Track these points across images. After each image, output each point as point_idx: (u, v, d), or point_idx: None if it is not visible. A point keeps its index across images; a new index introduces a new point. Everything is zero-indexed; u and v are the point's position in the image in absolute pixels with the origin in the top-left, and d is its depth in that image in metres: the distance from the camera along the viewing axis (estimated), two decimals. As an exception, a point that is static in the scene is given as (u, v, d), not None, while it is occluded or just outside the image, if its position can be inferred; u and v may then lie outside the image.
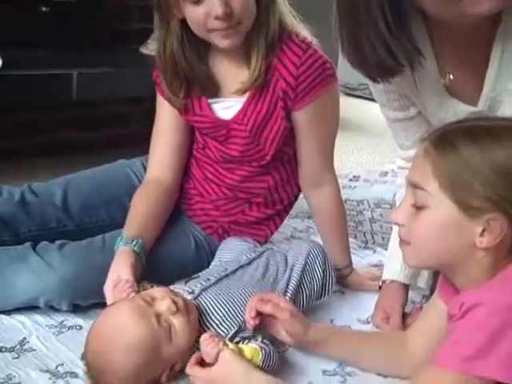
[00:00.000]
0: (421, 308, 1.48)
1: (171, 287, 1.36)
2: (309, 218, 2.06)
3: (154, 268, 1.48)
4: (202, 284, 1.38)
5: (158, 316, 1.24)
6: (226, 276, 1.42)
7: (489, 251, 1.04)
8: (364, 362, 1.33)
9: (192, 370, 1.22)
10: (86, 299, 1.48)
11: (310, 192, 1.67)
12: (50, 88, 2.34)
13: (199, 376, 1.21)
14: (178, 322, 1.24)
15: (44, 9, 2.69)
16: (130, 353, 1.20)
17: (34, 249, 1.50)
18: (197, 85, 1.57)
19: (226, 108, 1.59)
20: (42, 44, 2.51)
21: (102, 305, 1.44)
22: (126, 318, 1.23)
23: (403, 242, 1.12)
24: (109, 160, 1.84)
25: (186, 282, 1.41)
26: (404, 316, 1.49)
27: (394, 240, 1.51)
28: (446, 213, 1.05)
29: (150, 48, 2.95)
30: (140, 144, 1.79)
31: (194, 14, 1.44)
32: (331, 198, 1.66)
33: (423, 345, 1.23)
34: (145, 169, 1.75)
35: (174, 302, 1.25)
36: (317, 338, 1.33)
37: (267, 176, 1.64)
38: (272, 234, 1.72)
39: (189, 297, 1.33)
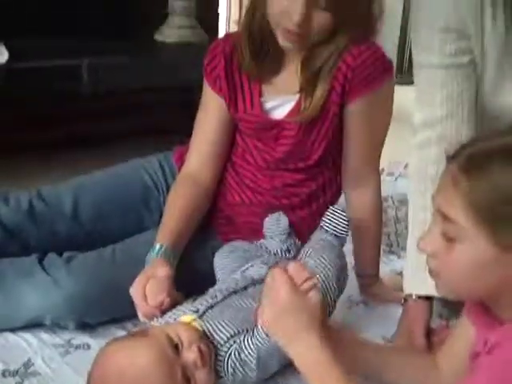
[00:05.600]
0: (447, 326, 1.39)
1: (178, 307, 1.29)
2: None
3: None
4: (207, 301, 1.29)
5: (184, 369, 1.14)
6: (235, 292, 1.33)
7: None
8: (390, 375, 1.22)
9: (278, 275, 1.08)
10: (95, 317, 1.42)
11: (350, 192, 1.57)
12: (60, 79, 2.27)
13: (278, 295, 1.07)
14: (200, 376, 1.16)
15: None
16: None
17: (40, 262, 1.43)
18: (263, 71, 1.49)
19: (277, 106, 1.50)
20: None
21: (112, 322, 1.39)
22: (151, 367, 1.11)
23: (433, 273, 1.03)
24: (125, 153, 1.74)
25: (194, 300, 1.32)
26: (429, 332, 1.40)
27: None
28: (481, 250, 0.95)
29: (166, 34, 2.85)
30: (158, 136, 1.70)
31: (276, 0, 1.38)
32: (371, 202, 1.56)
33: (453, 368, 1.14)
34: (162, 168, 1.67)
35: (201, 353, 1.16)
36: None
37: (311, 182, 1.55)
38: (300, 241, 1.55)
39: (193, 316, 1.25)
